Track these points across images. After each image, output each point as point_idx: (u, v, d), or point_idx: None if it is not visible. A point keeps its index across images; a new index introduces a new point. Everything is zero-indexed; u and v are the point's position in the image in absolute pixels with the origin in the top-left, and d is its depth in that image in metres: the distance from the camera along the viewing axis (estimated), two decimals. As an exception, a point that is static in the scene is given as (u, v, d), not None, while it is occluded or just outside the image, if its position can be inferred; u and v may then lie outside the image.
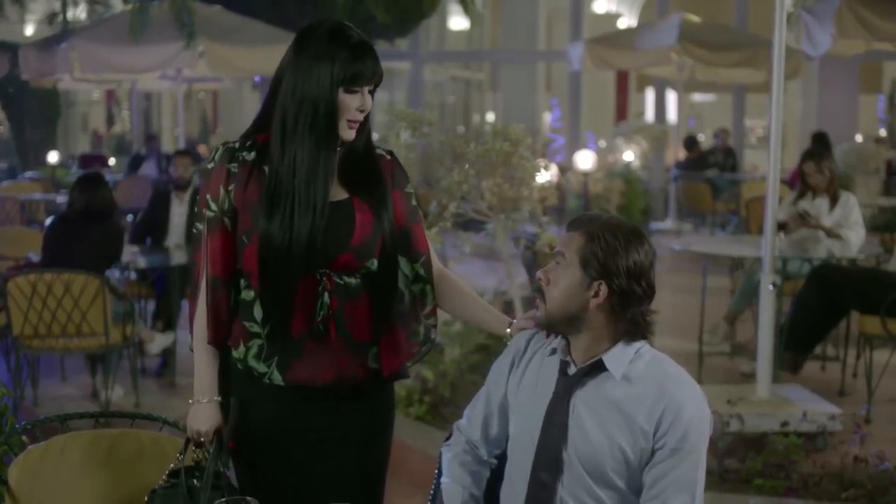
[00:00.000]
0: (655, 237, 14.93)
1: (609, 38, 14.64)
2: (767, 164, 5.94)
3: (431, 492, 3.17)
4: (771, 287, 5.92)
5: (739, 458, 5.57)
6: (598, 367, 2.81)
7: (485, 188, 6.49)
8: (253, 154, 2.97)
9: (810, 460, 5.57)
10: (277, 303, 2.91)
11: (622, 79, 24.77)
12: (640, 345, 2.84)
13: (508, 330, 3.13)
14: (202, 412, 2.98)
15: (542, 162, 6.58)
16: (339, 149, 2.97)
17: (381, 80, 2.96)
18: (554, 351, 2.88)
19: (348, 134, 2.94)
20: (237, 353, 2.97)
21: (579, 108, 19.03)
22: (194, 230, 3.09)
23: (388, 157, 3.13)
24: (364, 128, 2.99)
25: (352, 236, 2.96)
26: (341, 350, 2.96)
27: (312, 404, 2.98)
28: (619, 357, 2.80)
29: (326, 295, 2.93)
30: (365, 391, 3.05)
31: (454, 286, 3.20)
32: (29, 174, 15.81)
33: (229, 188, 2.95)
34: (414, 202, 3.13)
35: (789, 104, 17.44)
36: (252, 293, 2.94)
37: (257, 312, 2.93)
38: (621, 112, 25.44)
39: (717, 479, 5.37)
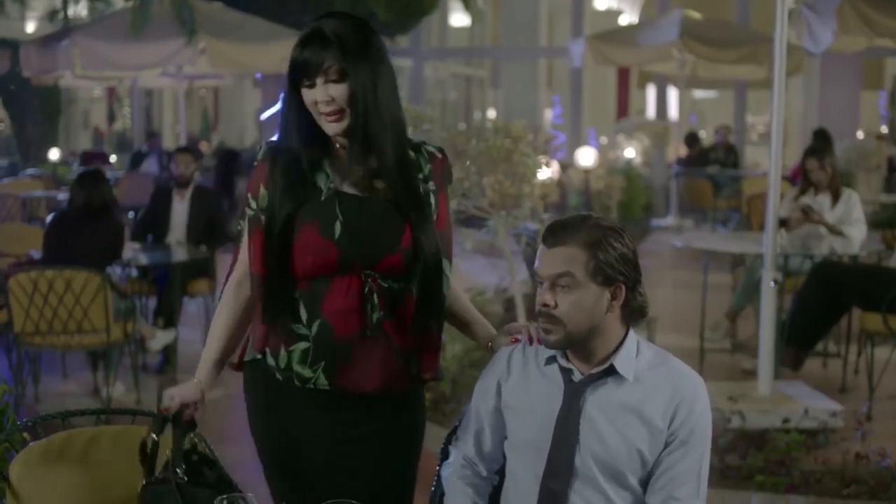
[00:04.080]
0: (656, 234, 14.96)
1: (610, 35, 14.65)
2: (769, 160, 5.94)
3: (433, 488, 3.17)
4: (772, 284, 5.92)
5: (741, 454, 5.56)
6: (607, 372, 2.81)
7: (486, 185, 6.48)
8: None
9: (812, 457, 5.57)
10: (316, 301, 2.84)
11: (623, 75, 24.77)
12: (635, 339, 2.86)
13: (490, 344, 3.09)
14: (183, 385, 2.93)
15: (543, 159, 6.58)
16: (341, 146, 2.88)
17: (344, 67, 2.79)
18: (552, 359, 2.88)
19: (329, 128, 2.85)
20: (277, 359, 2.88)
21: (580, 104, 19.04)
22: (238, 227, 3.01)
23: (440, 155, 3.02)
24: (376, 126, 2.84)
25: (400, 239, 2.87)
26: (388, 356, 2.88)
27: (355, 413, 2.91)
28: (626, 358, 2.81)
29: (375, 297, 2.86)
30: (406, 396, 3.01)
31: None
32: (30, 171, 15.80)
33: (270, 185, 2.88)
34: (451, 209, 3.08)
35: (791, 101, 17.42)
36: (297, 293, 2.86)
37: (303, 313, 2.85)
38: (622, 109, 25.43)
39: (718, 475, 5.36)
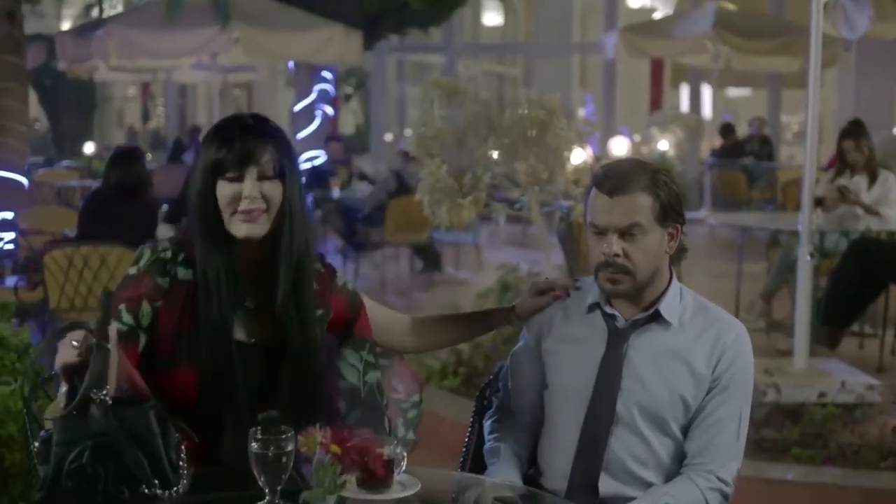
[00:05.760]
0: (690, 226, 14.82)
1: (644, 27, 14.64)
2: (804, 154, 5.88)
3: (463, 454, 3.17)
4: (808, 258, 5.87)
5: (776, 428, 5.52)
6: (651, 318, 2.80)
7: (518, 170, 6.46)
8: (189, 273, 2.67)
9: (848, 430, 5.51)
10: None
11: (656, 73, 24.66)
12: (678, 285, 2.86)
13: (516, 311, 2.99)
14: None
15: (577, 135, 6.53)
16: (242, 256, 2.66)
17: (283, 164, 2.62)
18: (594, 306, 2.86)
19: (239, 228, 2.62)
20: None
21: (613, 98, 18.97)
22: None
23: (324, 269, 2.84)
24: (285, 234, 2.66)
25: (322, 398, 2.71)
26: None
27: None
28: (671, 303, 2.80)
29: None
30: None
31: (427, 319, 3.07)
32: (66, 163, 15.91)
33: (156, 304, 2.65)
34: (350, 287, 2.89)
35: (826, 97, 17.25)
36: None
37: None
38: (655, 108, 25.32)
39: (754, 447, 5.31)
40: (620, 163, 2.85)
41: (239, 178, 2.61)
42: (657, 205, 2.73)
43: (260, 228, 2.63)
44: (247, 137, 2.63)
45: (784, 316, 7.66)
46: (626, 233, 2.72)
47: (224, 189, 2.62)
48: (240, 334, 2.69)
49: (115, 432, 2.28)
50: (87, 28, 12.18)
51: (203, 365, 2.63)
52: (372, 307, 2.98)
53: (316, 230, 12.21)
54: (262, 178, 2.62)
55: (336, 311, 2.83)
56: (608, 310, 2.85)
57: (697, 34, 13.35)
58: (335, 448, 2.10)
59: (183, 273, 2.67)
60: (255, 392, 2.68)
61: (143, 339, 2.64)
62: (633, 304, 2.82)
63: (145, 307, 2.64)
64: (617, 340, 2.82)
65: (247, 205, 2.60)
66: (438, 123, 5.95)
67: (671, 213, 2.76)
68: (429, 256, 11.36)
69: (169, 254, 2.68)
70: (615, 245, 2.73)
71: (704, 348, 2.79)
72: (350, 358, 2.84)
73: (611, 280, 2.76)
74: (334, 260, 12.43)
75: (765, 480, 5.01)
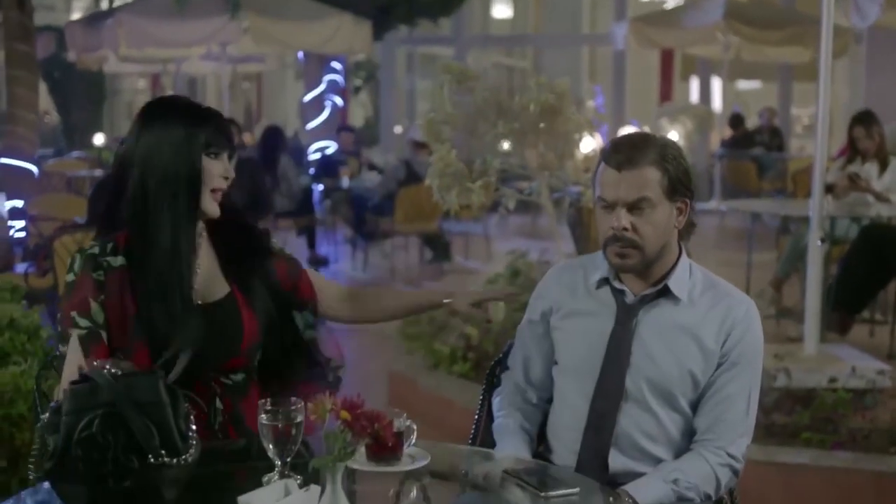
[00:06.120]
0: (700, 217, 14.78)
1: (654, 17, 14.59)
2: (815, 142, 5.84)
3: (472, 432, 3.17)
4: (819, 242, 5.85)
5: (786, 412, 5.49)
6: (660, 293, 2.79)
7: (528, 157, 6.44)
8: (120, 259, 2.70)
9: (859, 415, 5.49)
10: None
11: (666, 66, 24.60)
12: (687, 260, 2.85)
13: (449, 307, 3.09)
14: None
15: (587, 122, 6.51)
16: (202, 229, 2.78)
17: (235, 151, 2.75)
18: (603, 281, 2.86)
19: (213, 207, 2.73)
20: None
21: (623, 91, 18.94)
22: (57, 351, 2.74)
23: (259, 227, 2.97)
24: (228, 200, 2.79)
25: (241, 341, 2.80)
26: None
27: None
28: (681, 278, 2.79)
29: (218, 400, 2.76)
30: None
31: (360, 291, 3.15)
32: (76, 153, 15.93)
33: (100, 299, 2.68)
34: (287, 252, 2.99)
35: (836, 91, 17.21)
36: None
37: None
38: (665, 101, 25.25)
39: (764, 432, 5.29)
40: (629, 137, 2.84)
41: (218, 156, 2.72)
42: (666, 179, 2.72)
43: (218, 207, 2.76)
44: (221, 119, 2.75)
45: (794, 303, 7.64)
46: (634, 207, 2.72)
47: (214, 166, 2.70)
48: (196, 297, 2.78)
49: (123, 401, 2.29)
50: (97, 17, 12.20)
51: (156, 334, 2.67)
52: (306, 271, 3.05)
53: (325, 219, 12.24)
54: (232, 158, 2.78)
55: (280, 275, 2.91)
56: (617, 285, 2.84)
57: (708, 24, 13.31)
58: (345, 415, 2.10)
59: (114, 261, 2.70)
60: (215, 354, 2.75)
61: (104, 335, 2.68)
62: (642, 279, 2.82)
63: (94, 306, 2.68)
64: (626, 316, 2.81)
65: (223, 182, 2.72)
66: (449, 108, 5.93)
67: (680, 187, 2.75)
68: (438, 246, 11.36)
69: (97, 249, 2.71)
70: (623, 219, 2.72)
71: (714, 323, 2.79)
72: (298, 321, 2.92)
73: (619, 254, 2.75)
74: (343, 249, 12.55)
75: (775, 464, 5.00)
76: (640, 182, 2.71)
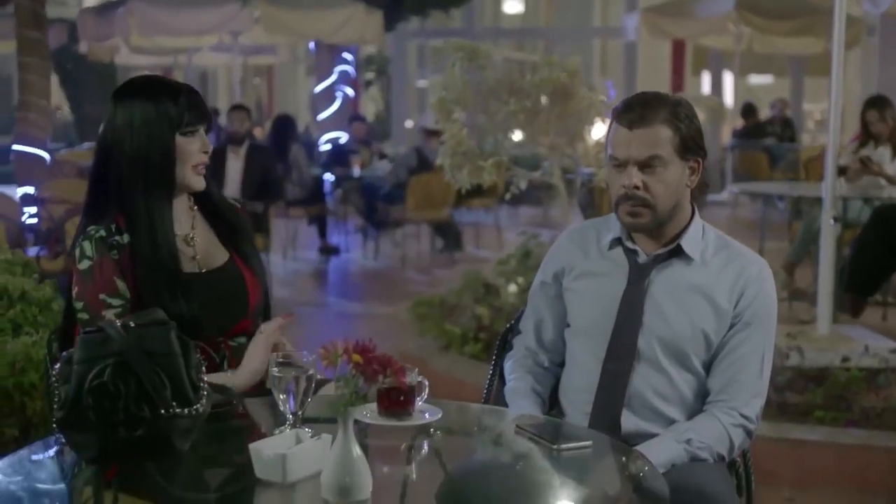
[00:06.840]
0: (711, 208, 14.81)
1: (665, 7, 14.53)
2: (827, 131, 5.82)
3: (485, 391, 3.16)
4: (832, 222, 5.83)
5: (799, 391, 5.48)
6: (673, 253, 2.78)
7: (541, 143, 6.43)
8: (126, 237, 2.74)
9: (872, 394, 5.47)
10: None
11: (678, 60, 24.52)
12: (700, 221, 2.84)
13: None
14: None
15: (600, 103, 6.49)
16: (192, 203, 2.87)
17: (212, 124, 2.82)
18: (616, 242, 2.85)
19: (198, 181, 2.78)
20: None
21: (634, 85, 18.88)
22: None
23: (239, 205, 3.04)
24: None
25: (248, 302, 2.87)
26: None
27: None
28: (693, 238, 2.78)
29: (226, 364, 2.82)
30: None
31: None
32: (87, 144, 15.94)
33: (122, 277, 2.73)
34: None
35: (848, 85, 17.18)
36: None
37: None
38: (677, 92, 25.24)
39: (776, 410, 5.28)
40: (641, 95, 2.82)
41: (195, 132, 2.74)
42: (677, 137, 2.71)
43: (204, 181, 2.81)
44: (196, 96, 2.77)
45: (807, 285, 7.62)
46: (645, 165, 2.70)
47: (191, 143, 2.72)
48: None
49: (134, 351, 2.29)
50: (108, 6, 12.22)
51: (164, 301, 2.69)
52: None
53: (336, 209, 12.23)
54: (208, 133, 2.81)
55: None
56: (629, 245, 2.83)
57: (719, 14, 13.28)
58: (357, 357, 2.09)
59: (122, 240, 2.74)
60: (224, 317, 2.83)
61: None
62: (655, 239, 2.80)
63: (119, 284, 2.72)
64: (638, 276, 2.80)
65: (204, 157, 2.75)
66: (460, 86, 5.92)
67: (692, 146, 2.74)
68: (449, 235, 11.35)
69: (103, 231, 2.74)
70: (635, 177, 2.70)
71: (726, 283, 2.77)
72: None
73: (631, 213, 2.74)
74: (354, 238, 12.54)
75: (788, 440, 4.99)
76: (652, 140, 2.69)
